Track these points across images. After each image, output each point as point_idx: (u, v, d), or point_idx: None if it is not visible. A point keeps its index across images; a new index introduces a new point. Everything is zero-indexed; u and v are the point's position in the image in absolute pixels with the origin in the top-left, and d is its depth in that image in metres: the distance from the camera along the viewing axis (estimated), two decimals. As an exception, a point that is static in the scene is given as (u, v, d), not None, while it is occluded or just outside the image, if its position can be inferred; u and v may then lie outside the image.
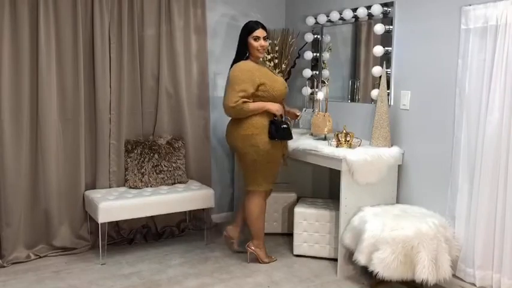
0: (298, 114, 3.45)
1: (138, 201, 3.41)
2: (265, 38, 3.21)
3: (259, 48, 3.19)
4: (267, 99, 3.16)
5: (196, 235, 3.91)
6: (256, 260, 3.37)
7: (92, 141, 3.60)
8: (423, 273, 2.65)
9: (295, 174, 4.18)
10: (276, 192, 3.86)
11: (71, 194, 3.52)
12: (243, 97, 3.07)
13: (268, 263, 3.37)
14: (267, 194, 3.41)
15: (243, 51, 3.24)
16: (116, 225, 3.68)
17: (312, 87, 4.07)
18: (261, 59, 3.34)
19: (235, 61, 3.26)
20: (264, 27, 3.23)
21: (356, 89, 3.76)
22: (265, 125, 3.16)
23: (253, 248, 3.36)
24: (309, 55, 4.04)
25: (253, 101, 3.13)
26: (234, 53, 3.29)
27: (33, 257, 3.38)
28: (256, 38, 3.18)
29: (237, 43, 3.27)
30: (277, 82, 3.23)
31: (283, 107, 3.32)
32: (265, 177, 3.25)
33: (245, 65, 3.18)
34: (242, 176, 3.43)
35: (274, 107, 3.17)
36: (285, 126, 3.18)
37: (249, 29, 3.21)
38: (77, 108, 3.48)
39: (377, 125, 3.23)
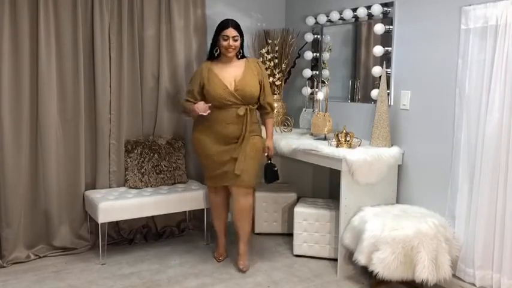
0: (266, 154, 3.28)
1: (138, 201, 3.40)
2: (235, 38, 3.16)
3: (228, 47, 3.16)
4: (208, 100, 3.16)
5: (196, 235, 3.91)
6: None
7: (91, 141, 3.59)
8: (423, 273, 2.65)
9: (295, 174, 4.18)
10: (276, 192, 3.87)
11: (71, 194, 3.51)
12: (188, 97, 3.31)
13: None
14: (218, 190, 3.36)
15: (212, 49, 3.25)
16: (116, 225, 3.68)
17: (312, 87, 4.07)
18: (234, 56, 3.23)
19: (207, 58, 3.33)
20: (236, 27, 3.18)
21: (356, 89, 3.76)
22: (198, 121, 3.25)
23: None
24: (309, 55, 4.04)
25: (201, 99, 3.21)
26: None
27: (33, 257, 3.38)
28: (226, 38, 3.16)
29: None
30: (215, 85, 3.14)
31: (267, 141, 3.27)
32: (204, 172, 3.38)
33: (203, 65, 3.31)
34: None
35: (198, 108, 3.10)
36: (276, 169, 3.29)
37: (220, 27, 3.20)
38: (77, 108, 3.48)
39: (377, 125, 3.23)
